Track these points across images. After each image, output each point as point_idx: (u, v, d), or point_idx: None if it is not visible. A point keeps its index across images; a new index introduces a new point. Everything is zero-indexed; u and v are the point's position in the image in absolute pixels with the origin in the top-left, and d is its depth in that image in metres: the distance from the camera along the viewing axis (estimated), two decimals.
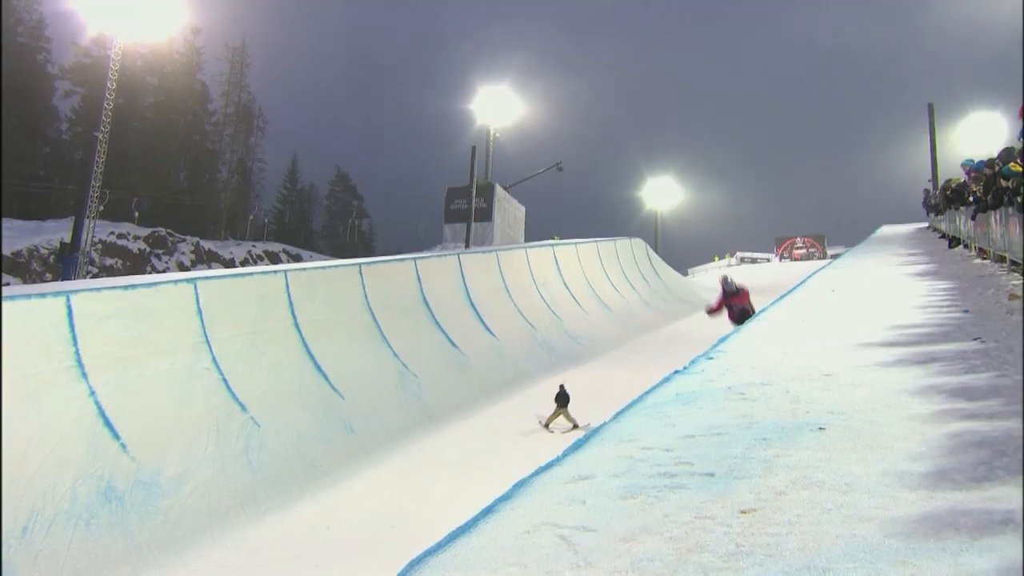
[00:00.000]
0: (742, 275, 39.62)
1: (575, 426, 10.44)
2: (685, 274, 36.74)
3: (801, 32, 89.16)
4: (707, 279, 37.65)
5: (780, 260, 47.80)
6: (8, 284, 25.05)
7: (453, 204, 35.86)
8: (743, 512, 2.18)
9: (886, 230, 26.53)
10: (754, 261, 48.55)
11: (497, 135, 36.84)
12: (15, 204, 33.18)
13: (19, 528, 6.36)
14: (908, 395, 3.49)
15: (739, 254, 50.00)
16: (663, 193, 47.85)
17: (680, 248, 52.16)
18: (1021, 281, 7.66)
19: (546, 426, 10.66)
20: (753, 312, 10.30)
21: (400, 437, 10.20)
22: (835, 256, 27.93)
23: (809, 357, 4.82)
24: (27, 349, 7.46)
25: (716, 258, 49.60)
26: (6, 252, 27.31)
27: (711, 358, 5.27)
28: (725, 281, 11.95)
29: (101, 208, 29.08)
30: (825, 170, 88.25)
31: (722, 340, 6.24)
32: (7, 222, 30.02)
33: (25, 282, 26.48)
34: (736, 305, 11.38)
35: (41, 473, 6.84)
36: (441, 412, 11.27)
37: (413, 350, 12.34)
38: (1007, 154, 8.81)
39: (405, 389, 11.38)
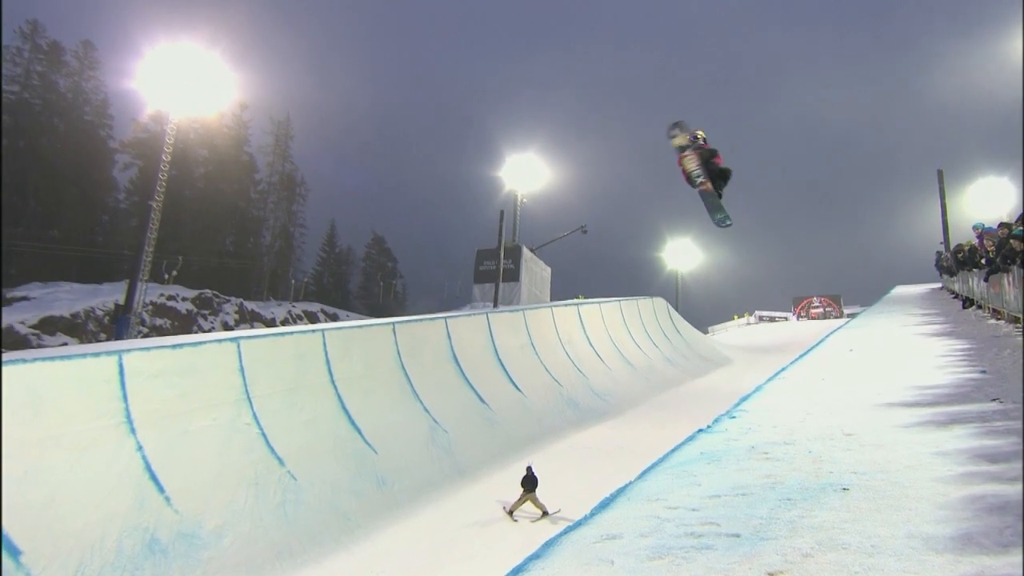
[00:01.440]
0: (761, 333, 39.76)
1: (545, 513, 9.69)
2: (705, 332, 36.82)
3: (814, 103, 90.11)
4: (728, 337, 37.59)
5: (798, 319, 47.98)
6: (66, 344, 26.32)
7: (482, 265, 36.83)
8: (770, 575, 2.19)
9: (900, 290, 25.88)
10: (772, 320, 48.75)
11: (524, 200, 37.96)
12: (75, 269, 35.14)
13: None
14: (930, 456, 3.46)
15: (758, 313, 50.04)
16: (683, 254, 48.13)
17: (700, 307, 52.10)
18: None
19: (510, 514, 9.81)
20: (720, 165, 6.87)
21: (430, 491, 10.41)
22: (852, 315, 27.62)
23: (830, 416, 4.79)
24: (81, 406, 7.94)
25: (736, 317, 49.34)
26: (66, 314, 28.78)
27: (733, 417, 5.26)
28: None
29: (175, 273, 31.07)
30: (840, 233, 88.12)
31: (744, 399, 6.26)
32: (67, 286, 31.75)
33: (81, 342, 27.76)
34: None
35: (90, 526, 7.21)
36: (470, 467, 11.46)
37: (443, 406, 12.64)
38: None
39: (436, 444, 11.63)
